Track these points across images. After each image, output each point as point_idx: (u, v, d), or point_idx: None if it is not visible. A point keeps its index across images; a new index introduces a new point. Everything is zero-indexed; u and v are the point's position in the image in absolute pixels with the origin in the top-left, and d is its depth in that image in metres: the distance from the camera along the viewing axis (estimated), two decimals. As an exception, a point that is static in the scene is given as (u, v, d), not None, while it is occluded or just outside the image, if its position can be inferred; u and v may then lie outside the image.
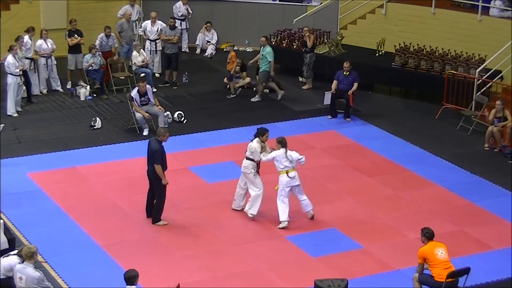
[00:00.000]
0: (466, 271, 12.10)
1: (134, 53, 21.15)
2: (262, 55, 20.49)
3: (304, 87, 21.67)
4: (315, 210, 14.72)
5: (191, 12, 23.85)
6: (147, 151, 14.48)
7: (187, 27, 23.98)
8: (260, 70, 20.64)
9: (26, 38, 20.13)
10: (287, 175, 14.47)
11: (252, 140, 14.87)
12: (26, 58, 20.05)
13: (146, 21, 22.36)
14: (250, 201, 14.80)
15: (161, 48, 22.05)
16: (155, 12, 22.31)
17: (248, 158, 14.79)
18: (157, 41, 22.05)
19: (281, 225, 14.52)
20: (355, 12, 23.69)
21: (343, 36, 22.53)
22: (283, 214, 14.48)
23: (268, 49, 20.50)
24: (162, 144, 14.45)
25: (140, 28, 22.44)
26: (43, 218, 14.73)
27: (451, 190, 16.08)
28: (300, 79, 22.16)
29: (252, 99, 20.66)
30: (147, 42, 21.98)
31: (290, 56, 22.26)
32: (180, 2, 23.80)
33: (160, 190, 14.47)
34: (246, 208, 14.86)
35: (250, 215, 14.79)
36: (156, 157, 14.26)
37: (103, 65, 20.86)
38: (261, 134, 14.80)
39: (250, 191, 14.78)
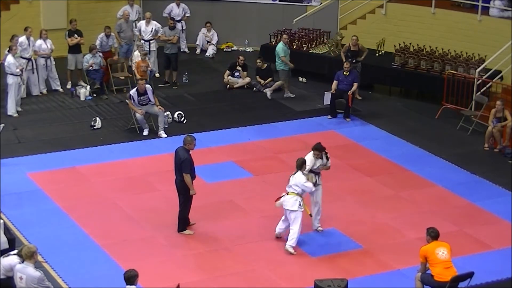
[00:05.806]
0: (469, 275, 12.05)
1: (136, 52, 21.12)
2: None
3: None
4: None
5: (188, 14, 23.78)
6: (174, 161, 14.04)
7: (183, 27, 23.89)
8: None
9: (23, 38, 20.10)
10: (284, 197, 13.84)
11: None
12: (24, 58, 20.05)
13: (141, 21, 22.32)
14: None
15: (155, 49, 22.01)
16: (149, 13, 22.24)
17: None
18: (151, 41, 21.99)
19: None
20: (355, 12, 23.69)
21: (343, 36, 22.50)
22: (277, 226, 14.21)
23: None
24: (190, 152, 13.98)
25: (135, 28, 22.41)
26: (43, 218, 14.71)
27: (451, 190, 16.07)
28: (300, 79, 22.14)
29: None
30: (142, 42, 21.93)
31: (289, 56, 22.19)
32: (174, 3, 23.78)
33: (186, 200, 14.08)
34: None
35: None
36: (185, 167, 13.79)
37: (103, 66, 20.88)
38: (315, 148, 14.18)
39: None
